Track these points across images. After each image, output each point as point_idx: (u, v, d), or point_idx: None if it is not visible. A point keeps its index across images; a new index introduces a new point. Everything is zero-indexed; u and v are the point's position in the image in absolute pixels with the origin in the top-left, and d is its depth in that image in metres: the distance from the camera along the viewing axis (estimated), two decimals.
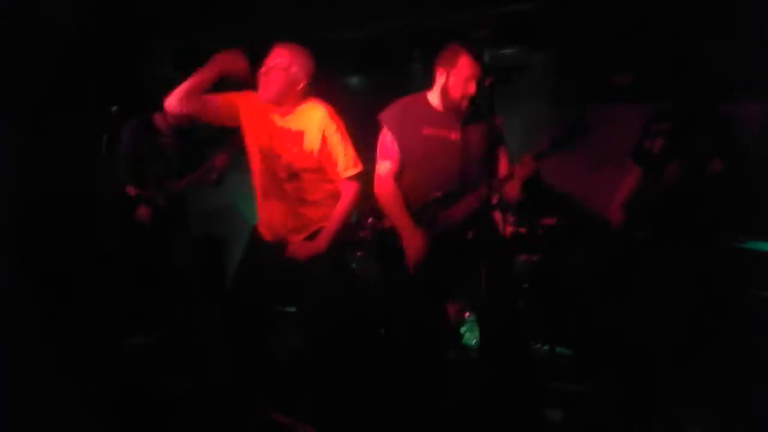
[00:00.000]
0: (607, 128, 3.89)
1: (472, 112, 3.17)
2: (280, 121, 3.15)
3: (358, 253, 4.93)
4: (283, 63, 3.04)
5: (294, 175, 3.15)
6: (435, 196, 3.14)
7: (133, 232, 4.46)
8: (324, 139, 3.10)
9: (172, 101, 3.08)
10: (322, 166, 3.15)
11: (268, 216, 3.27)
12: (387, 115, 3.26)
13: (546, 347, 4.12)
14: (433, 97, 3.25)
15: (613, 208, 3.77)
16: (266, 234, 3.31)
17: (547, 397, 3.51)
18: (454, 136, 3.17)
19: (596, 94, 4.90)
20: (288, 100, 3.10)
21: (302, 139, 3.10)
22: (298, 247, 3.18)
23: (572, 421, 3.49)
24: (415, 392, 3.20)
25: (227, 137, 4.99)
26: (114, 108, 4.26)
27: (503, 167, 3.25)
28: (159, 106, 4.40)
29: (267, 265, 3.26)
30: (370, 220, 4.90)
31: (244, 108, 3.18)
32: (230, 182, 4.57)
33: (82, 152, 4.70)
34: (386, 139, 3.24)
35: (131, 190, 4.41)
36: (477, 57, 3.11)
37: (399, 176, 3.23)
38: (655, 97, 4.03)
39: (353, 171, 3.16)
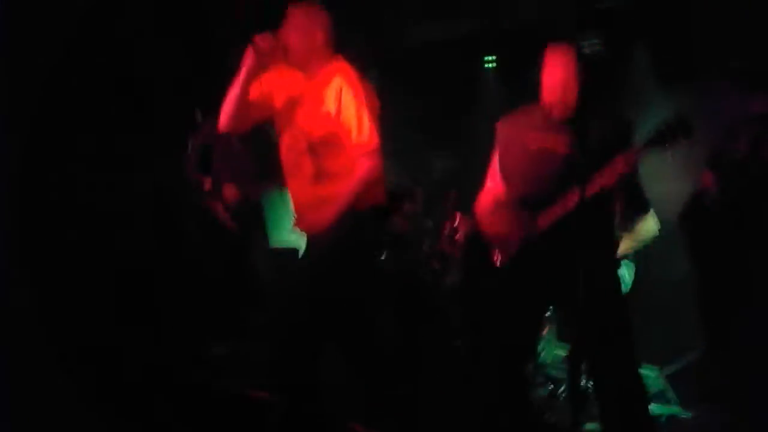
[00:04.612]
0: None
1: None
2: (303, 86, 2.88)
3: (435, 265, 4.85)
4: (298, 23, 2.78)
5: (312, 148, 2.84)
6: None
7: (211, 232, 4.45)
8: (340, 102, 2.78)
9: (224, 123, 2.87)
10: (339, 135, 2.81)
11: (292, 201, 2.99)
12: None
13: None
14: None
15: None
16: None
17: None
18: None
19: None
20: (310, 60, 2.84)
21: (321, 102, 2.81)
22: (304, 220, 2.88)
23: None
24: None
25: None
26: (198, 112, 4.26)
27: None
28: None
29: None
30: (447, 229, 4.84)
31: (276, 86, 2.93)
32: None
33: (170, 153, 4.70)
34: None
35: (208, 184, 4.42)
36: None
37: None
38: None
39: (366, 146, 2.79)
